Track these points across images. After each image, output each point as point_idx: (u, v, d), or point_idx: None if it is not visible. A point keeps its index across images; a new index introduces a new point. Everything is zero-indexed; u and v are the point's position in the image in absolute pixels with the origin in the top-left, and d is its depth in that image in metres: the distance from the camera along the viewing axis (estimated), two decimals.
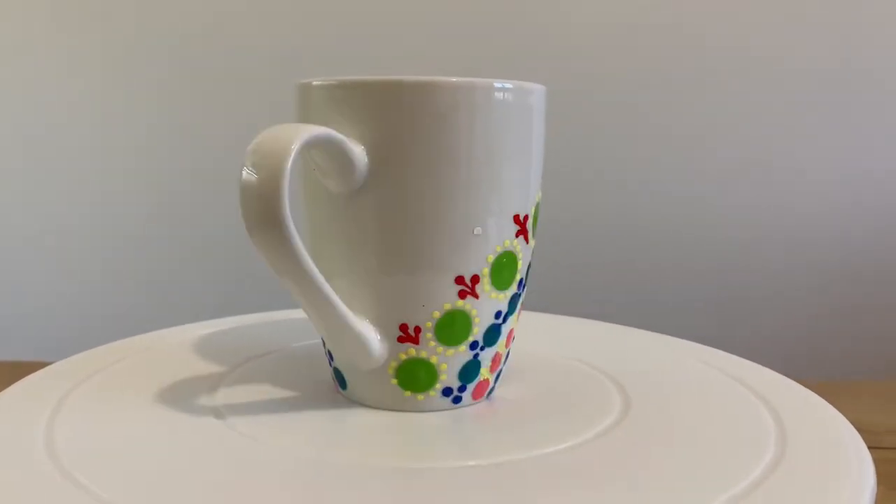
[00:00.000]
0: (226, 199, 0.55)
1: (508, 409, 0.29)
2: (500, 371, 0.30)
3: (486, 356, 0.29)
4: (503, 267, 0.28)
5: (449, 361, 0.28)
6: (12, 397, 0.29)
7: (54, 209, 0.60)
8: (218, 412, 0.28)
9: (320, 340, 0.29)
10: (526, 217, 0.28)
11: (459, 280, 0.27)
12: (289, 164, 0.23)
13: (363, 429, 0.27)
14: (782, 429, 0.27)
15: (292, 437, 0.26)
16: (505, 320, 0.29)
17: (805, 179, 0.59)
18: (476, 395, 0.29)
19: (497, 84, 0.26)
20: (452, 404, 0.29)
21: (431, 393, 0.28)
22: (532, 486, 0.23)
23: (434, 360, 0.28)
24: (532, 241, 0.29)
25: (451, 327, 0.27)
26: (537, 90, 0.28)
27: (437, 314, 0.27)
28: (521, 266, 0.29)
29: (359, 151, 0.25)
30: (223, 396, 0.29)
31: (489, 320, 0.28)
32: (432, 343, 0.27)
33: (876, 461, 0.24)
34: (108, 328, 0.38)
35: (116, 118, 0.60)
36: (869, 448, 0.25)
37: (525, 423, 0.28)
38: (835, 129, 0.59)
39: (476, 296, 0.27)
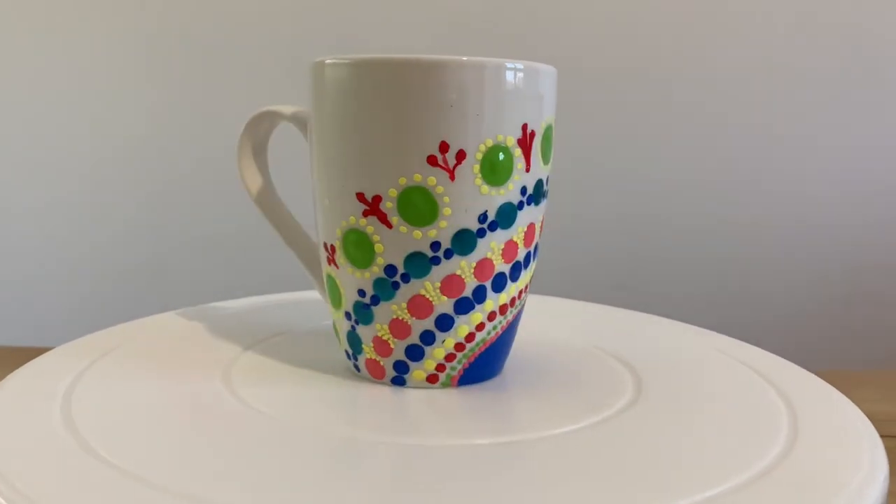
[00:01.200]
0: (231, 187, 0.58)
1: (522, 387, 0.29)
2: (406, 364, 0.28)
3: (364, 333, 0.28)
4: (351, 244, 0.27)
5: (339, 323, 0.30)
6: (28, 375, 0.29)
7: (58, 199, 0.61)
8: (231, 388, 0.28)
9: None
10: (377, 198, 0.26)
11: (325, 246, 0.29)
12: (241, 136, 0.32)
13: (370, 404, 0.28)
14: (794, 415, 0.27)
15: (303, 412, 0.26)
16: (375, 303, 0.28)
17: (810, 177, 0.61)
18: (372, 372, 0.29)
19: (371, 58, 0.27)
20: (356, 370, 0.30)
21: (340, 348, 0.30)
22: (539, 466, 0.23)
23: (334, 317, 0.30)
24: (409, 230, 0.26)
25: (330, 289, 0.29)
26: (418, 63, 0.26)
27: (322, 273, 0.30)
28: (384, 250, 0.27)
29: (296, 124, 0.31)
30: (237, 372, 0.30)
31: (353, 296, 0.28)
32: (329, 300, 0.30)
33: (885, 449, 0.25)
34: (113, 317, 0.38)
35: (120, 106, 0.60)
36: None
37: (537, 401, 0.28)
38: (840, 127, 0.60)
39: (336, 265, 0.28)
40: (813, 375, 0.31)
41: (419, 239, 0.27)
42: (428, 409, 0.27)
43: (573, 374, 0.31)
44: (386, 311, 0.28)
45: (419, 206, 0.26)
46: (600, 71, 0.60)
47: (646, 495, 0.21)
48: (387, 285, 0.27)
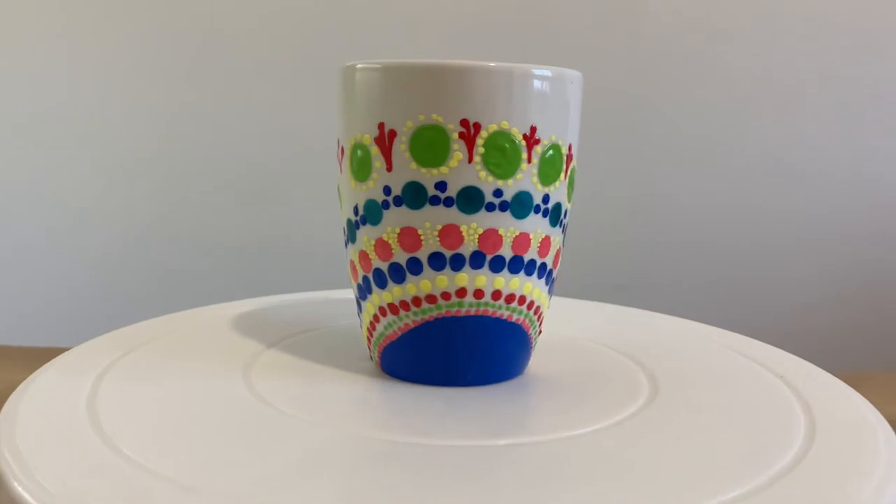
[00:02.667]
0: (246, 189, 0.61)
1: (541, 389, 0.30)
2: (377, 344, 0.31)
3: None
4: None
5: None
6: (53, 371, 0.28)
7: (72, 200, 0.61)
8: (251, 385, 0.28)
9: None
10: None
11: None
12: None
13: (393, 404, 0.28)
14: (811, 415, 0.27)
15: (321, 411, 0.26)
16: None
17: (816, 180, 0.60)
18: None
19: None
20: None
21: None
22: (555, 468, 0.23)
23: None
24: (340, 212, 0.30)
25: None
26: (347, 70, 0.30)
27: None
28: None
29: None
30: (259, 370, 0.30)
31: None
32: None
33: None
34: (126, 318, 0.37)
35: (134, 108, 0.60)
36: None
37: (554, 404, 0.28)
38: (846, 130, 0.60)
39: None
40: (829, 374, 0.31)
41: (343, 220, 0.31)
42: (448, 410, 0.28)
43: (589, 374, 0.31)
44: None
45: (339, 194, 0.30)
46: (603, 75, 0.58)
47: (663, 498, 0.21)
48: None
